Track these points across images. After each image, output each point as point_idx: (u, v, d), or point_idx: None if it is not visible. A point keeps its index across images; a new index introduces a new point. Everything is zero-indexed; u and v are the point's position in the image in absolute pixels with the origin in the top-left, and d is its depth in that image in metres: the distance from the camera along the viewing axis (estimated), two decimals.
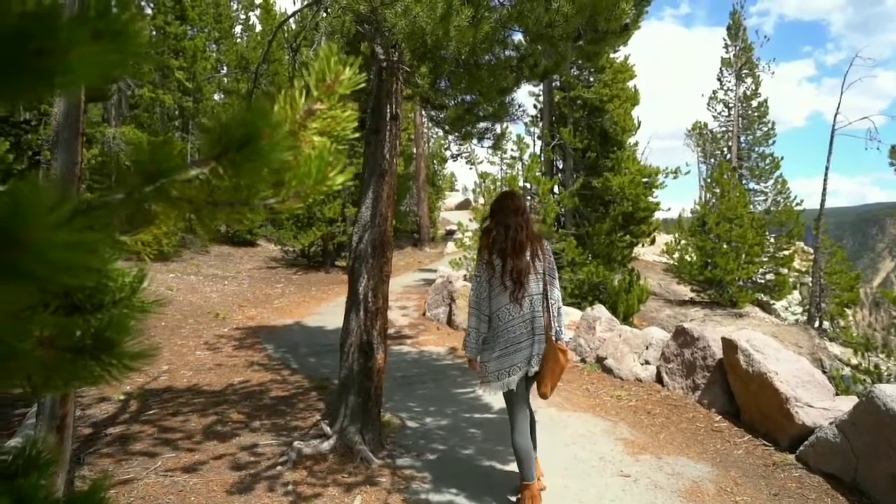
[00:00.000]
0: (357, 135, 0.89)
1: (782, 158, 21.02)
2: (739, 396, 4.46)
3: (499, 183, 13.78)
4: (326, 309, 10.20)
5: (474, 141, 4.64)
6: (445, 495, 3.37)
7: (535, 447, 3.26)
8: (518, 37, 3.72)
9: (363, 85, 0.86)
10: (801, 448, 3.71)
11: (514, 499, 3.31)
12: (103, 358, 0.74)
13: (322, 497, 3.30)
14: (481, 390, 3.22)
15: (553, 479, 3.55)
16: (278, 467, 3.64)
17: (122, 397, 5.19)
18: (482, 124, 4.68)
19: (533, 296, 3.06)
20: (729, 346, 4.51)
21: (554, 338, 3.10)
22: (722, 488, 3.46)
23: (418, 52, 3.13)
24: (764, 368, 4.10)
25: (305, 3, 4.95)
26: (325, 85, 0.83)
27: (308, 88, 0.83)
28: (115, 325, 0.73)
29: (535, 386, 3.19)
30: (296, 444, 3.83)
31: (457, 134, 4.61)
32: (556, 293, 3.17)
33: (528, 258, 3.05)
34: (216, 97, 18.57)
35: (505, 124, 4.98)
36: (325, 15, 5.50)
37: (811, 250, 18.06)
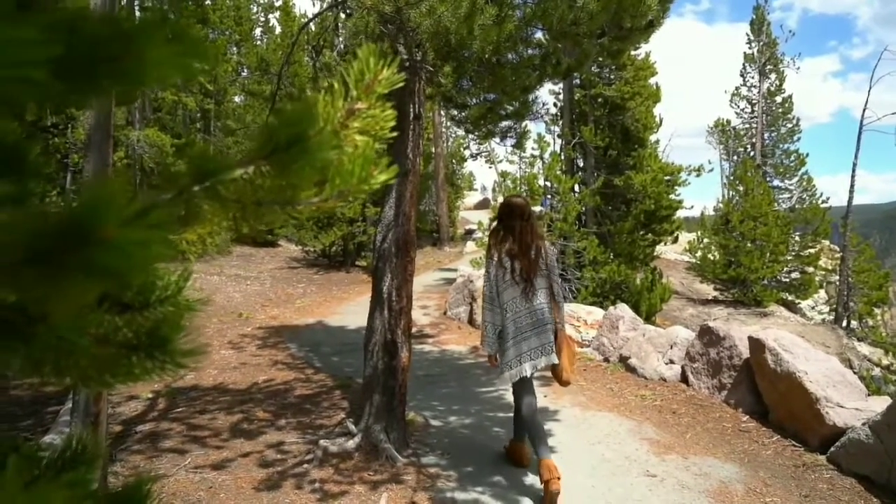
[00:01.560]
0: (394, 134, 0.89)
1: (807, 155, 20.65)
2: (767, 396, 4.39)
3: (519, 182, 13.76)
4: (348, 308, 10.26)
5: (496, 139, 4.63)
6: (471, 494, 3.38)
7: (529, 435, 3.48)
8: (541, 35, 3.71)
9: (401, 84, 0.86)
10: (833, 449, 3.64)
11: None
12: (157, 355, 0.75)
13: (349, 495, 3.32)
14: (501, 377, 3.47)
15: (579, 479, 3.54)
16: (305, 465, 3.67)
17: (150, 395, 5.28)
18: (504, 123, 4.67)
19: (539, 290, 3.38)
20: (756, 345, 4.45)
21: (560, 328, 3.44)
22: (751, 489, 3.41)
23: (442, 51, 3.14)
24: (793, 368, 4.04)
25: (328, 4, 4.99)
26: (364, 84, 0.84)
27: (346, 88, 0.84)
28: (168, 322, 0.74)
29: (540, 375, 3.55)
30: (321, 442, 3.87)
31: (479, 133, 4.60)
32: (557, 287, 3.49)
33: (533, 257, 3.36)
34: (237, 99, 18.77)
35: (527, 123, 4.97)
36: (343, 16, 5.54)
37: (837, 248, 17.73)
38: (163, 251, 0.56)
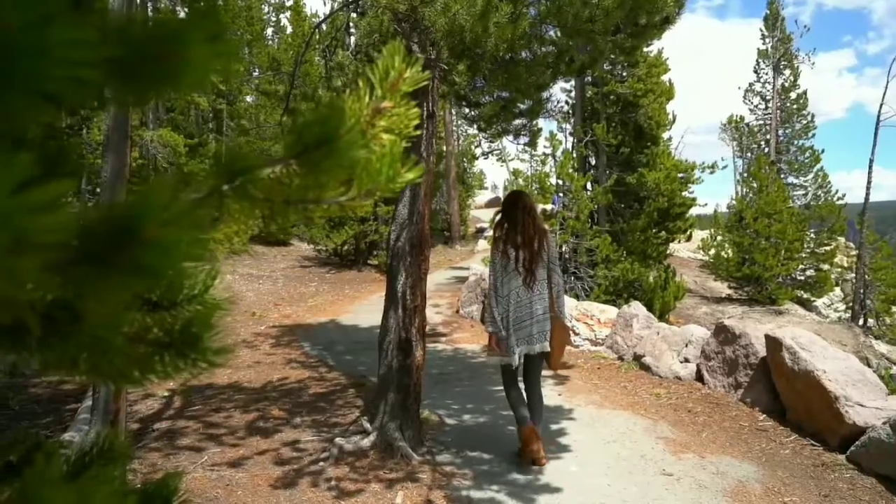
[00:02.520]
0: (418, 132, 0.89)
1: (822, 151, 20.40)
2: (785, 395, 4.35)
3: (530, 180, 13.72)
4: (360, 307, 10.29)
5: (510, 138, 4.62)
6: (486, 492, 3.38)
7: (540, 417, 3.74)
8: (554, 32, 3.69)
9: (426, 83, 0.86)
10: (853, 448, 3.60)
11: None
12: (188, 353, 0.76)
13: (364, 493, 3.33)
14: (493, 359, 3.78)
15: (595, 478, 3.53)
16: (320, 463, 3.69)
17: (166, 394, 5.33)
18: (517, 121, 4.66)
19: (540, 280, 3.58)
20: (773, 343, 4.41)
21: (559, 316, 3.64)
22: (769, 488, 3.38)
23: (456, 49, 3.13)
24: (811, 367, 3.99)
25: (341, 3, 5.00)
26: (389, 83, 0.84)
27: (371, 86, 0.84)
28: (199, 320, 0.75)
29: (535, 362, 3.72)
30: (337, 440, 3.88)
31: (492, 131, 4.60)
32: (557, 278, 3.66)
33: (536, 248, 3.57)
34: (248, 99, 18.86)
35: (539, 121, 4.95)
36: (354, 16, 5.55)
37: (853, 245, 17.51)
38: (199, 251, 0.56)
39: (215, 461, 3.76)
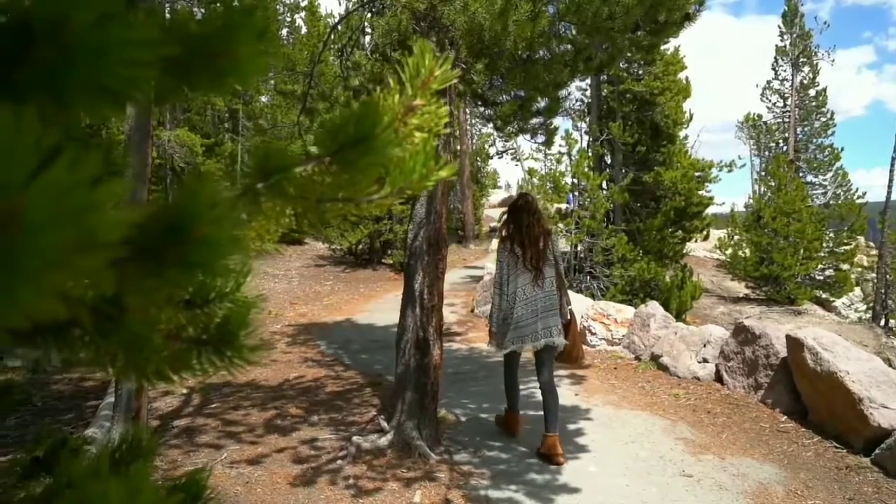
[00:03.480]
0: (448, 130, 0.89)
1: (842, 149, 20.10)
2: (807, 396, 4.30)
3: (545, 179, 13.65)
4: (375, 306, 10.32)
5: (527, 136, 4.60)
6: (505, 492, 3.37)
7: (556, 418, 3.81)
8: (573, 30, 3.67)
9: (455, 81, 0.86)
10: (877, 451, 3.55)
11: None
12: (225, 351, 0.76)
13: (382, 491, 3.34)
14: (491, 348, 4.05)
15: (614, 479, 3.50)
16: (338, 461, 3.70)
17: (184, 391, 5.38)
18: (534, 120, 4.64)
19: (547, 278, 3.76)
20: (795, 344, 4.35)
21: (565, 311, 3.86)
22: (791, 491, 3.34)
23: (475, 48, 3.12)
24: (834, 368, 3.94)
25: (357, 3, 5.01)
26: (419, 81, 0.84)
27: (401, 85, 0.83)
28: (235, 318, 0.75)
29: (543, 357, 3.89)
30: (354, 438, 3.89)
31: (509, 130, 4.58)
32: (562, 276, 3.90)
33: (541, 247, 3.75)
34: (263, 99, 18.97)
35: (557, 119, 4.93)
36: (369, 15, 5.56)
37: (873, 245, 17.24)
38: (242, 248, 0.56)
39: (234, 458, 3.78)
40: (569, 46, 3.86)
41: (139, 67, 0.35)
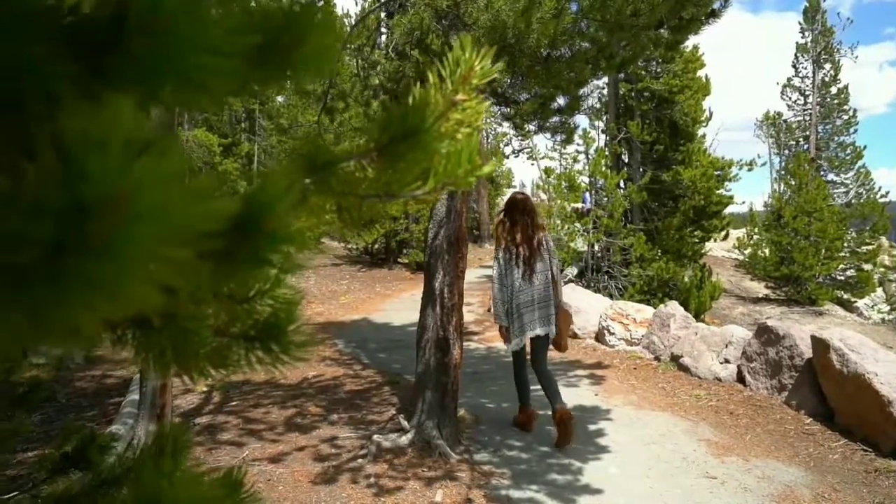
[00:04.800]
0: (484, 126, 0.88)
1: (864, 148, 19.77)
2: (833, 398, 4.23)
3: (561, 178, 13.58)
4: (391, 305, 10.34)
5: (547, 135, 4.58)
6: (526, 492, 3.35)
7: (559, 396, 4.04)
8: (596, 27, 3.64)
9: (496, 76, 0.85)
10: None
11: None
12: (272, 346, 0.76)
13: (404, 490, 3.34)
14: (507, 348, 4.18)
15: (636, 480, 3.47)
16: (359, 460, 3.71)
17: (204, 389, 5.42)
18: (555, 118, 4.62)
19: (538, 273, 3.97)
20: (820, 345, 4.28)
21: (557, 304, 4.06)
22: (818, 494, 3.28)
23: (497, 46, 3.11)
24: (861, 369, 3.87)
25: (378, 1, 5.01)
26: (460, 76, 0.83)
27: (441, 80, 0.83)
28: (283, 313, 0.75)
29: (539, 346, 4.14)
30: (375, 437, 3.90)
31: (529, 129, 4.56)
32: (556, 271, 4.09)
33: (535, 245, 3.95)
34: (279, 99, 19.09)
35: (575, 118, 4.90)
36: (384, 15, 5.56)
37: None
38: (305, 243, 0.56)
39: (256, 456, 3.81)
40: (590, 44, 3.83)
41: (226, 57, 0.34)
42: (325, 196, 0.74)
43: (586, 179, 11.07)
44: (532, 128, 4.80)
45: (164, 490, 0.60)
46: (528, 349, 4.14)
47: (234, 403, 5.00)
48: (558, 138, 5.13)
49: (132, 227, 0.26)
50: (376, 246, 15.07)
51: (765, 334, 5.04)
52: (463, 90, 0.84)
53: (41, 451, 3.38)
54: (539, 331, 3.96)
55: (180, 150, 0.31)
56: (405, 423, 4.06)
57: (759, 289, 14.90)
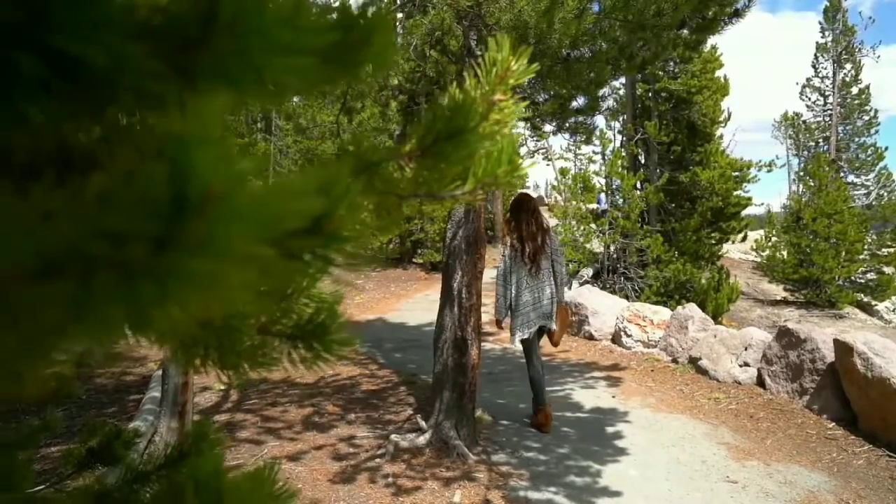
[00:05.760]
0: (521, 124, 0.88)
1: (886, 149, 19.45)
2: (856, 403, 4.16)
3: (577, 179, 13.53)
4: (406, 305, 10.36)
5: (566, 135, 4.56)
6: (545, 494, 3.34)
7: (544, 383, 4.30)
8: (618, 27, 3.62)
9: (532, 75, 0.85)
10: None
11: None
12: (315, 344, 0.76)
13: (422, 490, 3.34)
14: (510, 342, 4.34)
15: (656, 483, 3.45)
16: (377, 459, 3.72)
17: (222, 387, 5.47)
18: (574, 118, 4.60)
19: (543, 270, 4.13)
20: (843, 348, 4.22)
21: (558, 301, 4.22)
22: (843, 500, 3.24)
23: (518, 46, 3.10)
24: (886, 374, 3.81)
25: (393, 1, 5.02)
26: (497, 76, 0.83)
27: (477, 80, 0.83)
28: (327, 311, 0.75)
29: (545, 337, 4.40)
30: (392, 437, 3.91)
31: (549, 129, 4.55)
32: (560, 269, 4.23)
33: (540, 242, 4.11)
34: (295, 99, 19.19)
35: (594, 117, 4.88)
36: (401, 16, 5.56)
37: None
38: (366, 241, 0.56)
39: (274, 454, 3.83)
40: (611, 44, 3.81)
41: (305, 56, 0.35)
42: (367, 196, 0.74)
43: (602, 180, 11.01)
44: (550, 128, 4.78)
45: (200, 486, 0.60)
46: (532, 343, 4.29)
47: (252, 402, 5.03)
48: (578, 138, 5.11)
49: (227, 224, 0.26)
50: (391, 246, 15.11)
51: (785, 337, 4.98)
52: (500, 90, 0.84)
53: (64, 446, 3.43)
54: (540, 325, 4.17)
55: (267, 148, 0.31)
56: (422, 423, 4.07)
57: (777, 291, 14.73)
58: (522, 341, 4.23)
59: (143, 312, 0.26)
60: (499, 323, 4.33)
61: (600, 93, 4.56)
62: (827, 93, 22.45)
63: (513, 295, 4.15)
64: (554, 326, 4.20)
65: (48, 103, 0.28)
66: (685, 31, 3.67)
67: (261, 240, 0.28)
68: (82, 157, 0.32)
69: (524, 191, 5.08)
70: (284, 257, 0.42)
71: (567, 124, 4.49)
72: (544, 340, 4.54)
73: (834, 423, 4.28)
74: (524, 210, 4.18)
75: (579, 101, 4.53)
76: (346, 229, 0.48)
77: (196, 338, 0.72)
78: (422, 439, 3.88)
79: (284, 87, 0.35)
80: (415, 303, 10.61)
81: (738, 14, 3.25)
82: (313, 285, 0.96)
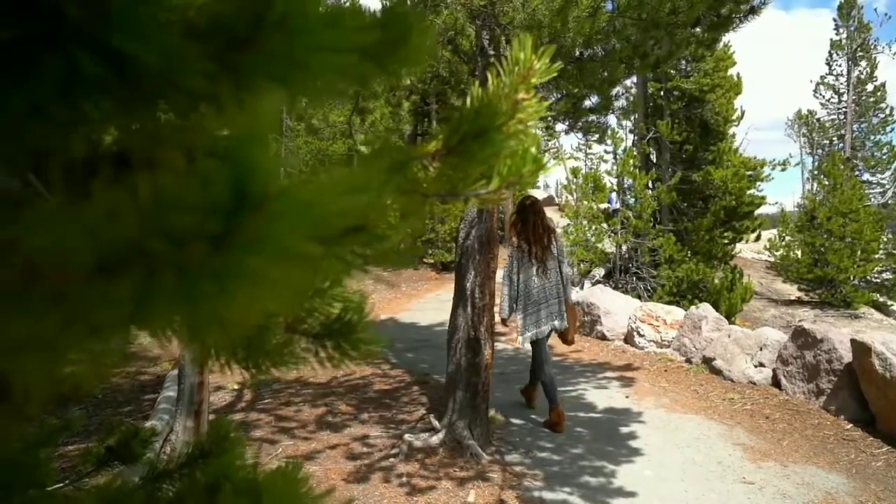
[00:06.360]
0: (542, 123, 0.88)
1: None
2: (875, 404, 4.12)
3: (587, 179, 13.49)
4: (417, 305, 10.37)
5: (579, 134, 4.54)
6: (559, 494, 3.33)
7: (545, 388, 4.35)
8: (632, 26, 3.60)
9: (555, 74, 0.85)
10: None
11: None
12: (342, 343, 0.77)
13: (436, 490, 3.34)
14: (518, 342, 4.34)
15: (671, 484, 3.42)
16: (391, 459, 3.72)
17: (236, 387, 5.50)
18: (587, 118, 4.58)
19: (550, 270, 4.20)
20: (861, 349, 4.17)
21: (566, 300, 4.29)
22: (862, 502, 3.20)
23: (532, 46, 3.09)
24: None
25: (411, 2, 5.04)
26: (519, 75, 0.83)
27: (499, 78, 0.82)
28: (354, 310, 0.75)
29: (551, 337, 4.39)
30: (406, 436, 3.91)
31: (562, 128, 4.53)
32: (566, 269, 4.33)
33: (546, 243, 4.19)
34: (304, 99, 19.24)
35: (605, 117, 4.86)
36: None
37: None
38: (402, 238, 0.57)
39: (289, 454, 3.85)
40: (624, 42, 3.79)
41: (348, 54, 0.35)
42: (400, 196, 0.74)
43: (613, 180, 10.96)
44: (563, 127, 4.77)
45: (225, 483, 0.61)
46: (541, 343, 4.32)
47: (266, 401, 5.06)
48: (590, 138, 5.09)
49: (282, 222, 0.27)
50: (402, 246, 15.11)
51: (801, 337, 4.93)
52: (522, 89, 0.84)
53: (81, 444, 3.46)
54: (553, 323, 4.21)
55: (279, 149, 0.31)
56: (436, 423, 4.07)
57: (791, 291, 14.60)
58: (532, 343, 4.25)
59: (204, 310, 0.26)
60: (504, 321, 4.37)
61: (613, 92, 4.54)
62: (841, 90, 22.20)
63: (520, 295, 4.20)
64: (565, 324, 4.25)
65: (105, 102, 0.29)
66: (699, 29, 3.64)
67: (312, 238, 0.28)
68: (135, 155, 0.32)
69: (530, 194, 5.10)
70: (331, 256, 0.42)
71: (579, 123, 4.47)
72: (556, 340, 4.56)
73: (851, 424, 4.23)
74: (531, 211, 4.24)
75: (592, 100, 4.52)
76: (379, 228, 0.48)
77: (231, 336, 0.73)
78: (435, 439, 3.88)
79: (328, 85, 0.35)
80: (425, 303, 10.62)
81: (753, 11, 3.21)
82: (340, 283, 0.96)
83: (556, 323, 4.22)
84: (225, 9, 0.32)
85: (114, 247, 0.25)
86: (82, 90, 0.27)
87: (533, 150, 0.80)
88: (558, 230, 11.84)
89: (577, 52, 3.78)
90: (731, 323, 8.55)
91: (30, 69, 0.26)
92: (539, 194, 39.12)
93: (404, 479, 3.46)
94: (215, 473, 0.86)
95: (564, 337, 4.42)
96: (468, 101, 0.78)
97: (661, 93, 11.31)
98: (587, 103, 4.51)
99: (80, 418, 1.41)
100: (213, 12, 0.32)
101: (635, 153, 10.53)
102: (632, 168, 9.86)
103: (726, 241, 10.71)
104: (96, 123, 0.31)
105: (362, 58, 0.38)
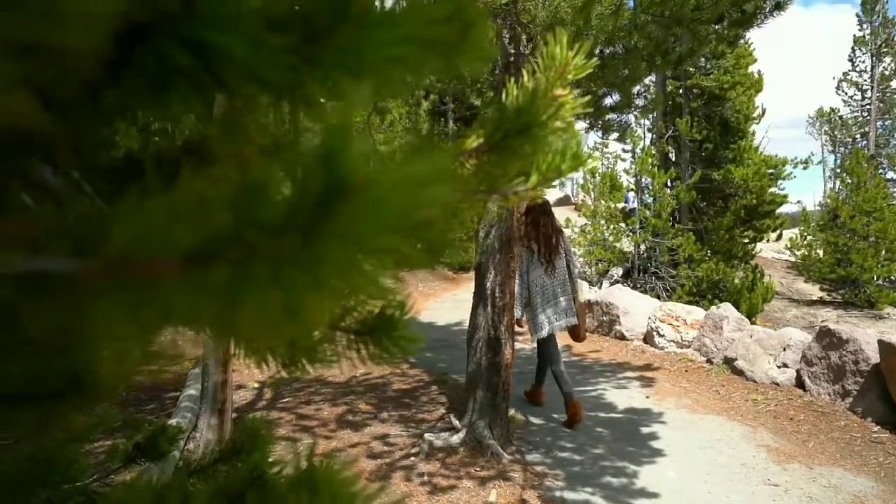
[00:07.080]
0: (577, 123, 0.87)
1: None
2: None
3: (606, 178, 13.40)
4: (434, 305, 10.38)
5: (599, 132, 4.52)
6: (581, 494, 3.31)
7: (543, 378, 4.71)
8: (654, 23, 3.57)
9: (591, 70, 0.84)
10: None
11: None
12: (383, 340, 0.77)
13: (457, 489, 3.34)
14: (533, 340, 4.49)
15: (694, 485, 3.39)
16: (412, 458, 3.73)
17: (256, 385, 5.54)
18: (608, 116, 4.55)
19: (559, 270, 4.31)
20: (889, 350, 4.10)
21: (575, 298, 4.39)
22: None
23: None
24: None
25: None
26: (556, 72, 0.82)
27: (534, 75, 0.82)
28: (396, 306, 0.75)
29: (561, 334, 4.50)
30: (427, 436, 3.91)
31: (582, 127, 4.51)
32: (574, 269, 4.44)
33: (554, 243, 4.30)
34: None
35: (626, 115, 4.82)
36: None
37: None
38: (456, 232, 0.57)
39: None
40: (646, 40, 3.76)
41: (422, 48, 0.35)
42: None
43: (631, 179, 10.88)
44: (583, 125, 4.74)
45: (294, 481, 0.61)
46: (550, 339, 4.43)
47: (286, 400, 5.09)
48: (610, 136, 5.07)
49: (370, 213, 0.27)
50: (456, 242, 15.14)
51: (826, 338, 4.85)
52: (559, 85, 0.84)
53: (105, 441, 3.51)
54: (564, 321, 4.30)
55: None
56: (456, 422, 4.07)
57: (813, 291, 14.38)
58: (541, 340, 4.35)
59: (297, 300, 0.26)
60: (519, 322, 4.40)
61: (634, 90, 4.50)
62: (865, 87, 21.81)
63: (531, 294, 4.29)
64: (575, 321, 4.35)
65: (192, 95, 0.29)
66: (721, 26, 3.60)
67: (396, 229, 0.28)
68: (215, 148, 0.33)
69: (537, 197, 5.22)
70: (408, 248, 0.42)
71: (600, 122, 4.44)
72: (570, 340, 4.70)
73: (879, 427, 4.16)
74: (541, 212, 4.34)
75: (613, 98, 4.49)
76: (443, 223, 0.48)
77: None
78: (456, 438, 3.88)
79: (399, 78, 0.35)
80: (442, 302, 10.62)
81: (779, 7, 3.17)
82: (397, 278, 0.96)
83: (568, 320, 4.31)
84: (307, 2, 0.32)
85: (208, 236, 0.25)
86: (173, 83, 0.27)
87: (573, 145, 0.80)
88: (576, 229, 11.83)
89: (599, 50, 3.75)
90: (752, 323, 8.45)
91: (122, 65, 0.27)
92: (554, 193, 38.97)
93: (425, 478, 3.46)
94: (249, 470, 0.86)
95: (576, 334, 4.54)
96: (505, 98, 0.78)
97: (681, 90, 11.19)
98: (608, 101, 4.48)
99: (114, 415, 1.43)
100: (294, 5, 0.32)
101: (654, 151, 10.43)
102: (650, 167, 9.78)
103: (747, 241, 10.58)
104: (178, 118, 0.32)
105: (431, 52, 0.38)
